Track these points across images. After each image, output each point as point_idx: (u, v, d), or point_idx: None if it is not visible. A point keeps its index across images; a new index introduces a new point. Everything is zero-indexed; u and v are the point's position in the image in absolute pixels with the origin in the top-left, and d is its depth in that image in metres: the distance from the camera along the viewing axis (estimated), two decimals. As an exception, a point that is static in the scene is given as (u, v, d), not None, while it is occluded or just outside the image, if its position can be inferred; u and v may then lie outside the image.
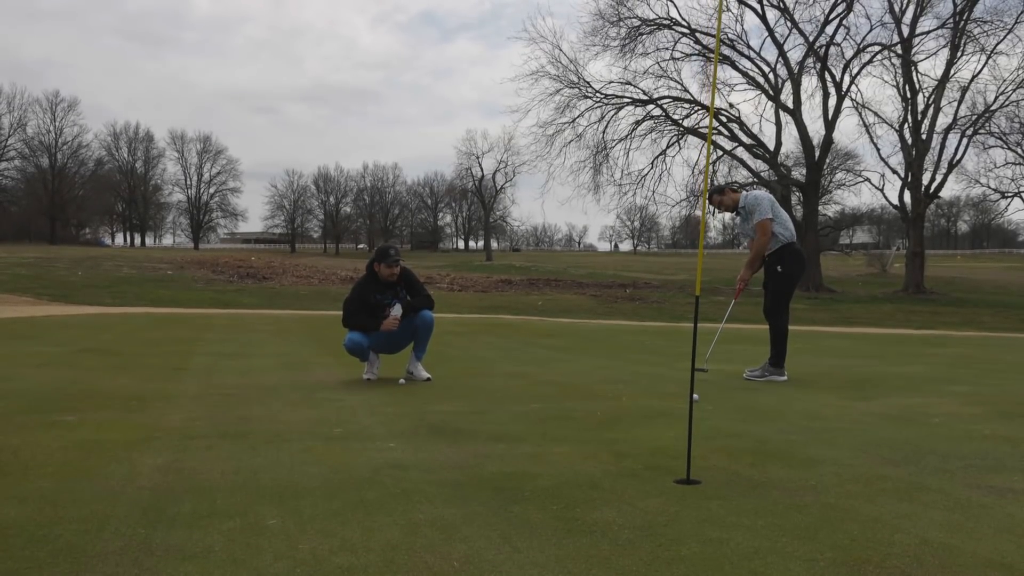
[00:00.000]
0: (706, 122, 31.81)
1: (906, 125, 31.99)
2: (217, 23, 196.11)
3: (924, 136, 31.72)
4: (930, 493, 3.05)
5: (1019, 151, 32.66)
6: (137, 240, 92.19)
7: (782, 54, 32.55)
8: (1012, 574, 2.24)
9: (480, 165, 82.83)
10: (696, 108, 32.83)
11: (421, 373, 6.56)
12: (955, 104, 31.74)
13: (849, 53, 32.21)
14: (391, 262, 6.39)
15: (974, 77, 31.00)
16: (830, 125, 32.49)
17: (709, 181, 31.34)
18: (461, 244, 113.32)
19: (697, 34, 32.13)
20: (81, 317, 14.71)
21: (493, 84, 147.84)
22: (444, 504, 2.86)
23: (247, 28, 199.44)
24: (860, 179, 39.09)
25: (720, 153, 32.99)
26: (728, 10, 32.80)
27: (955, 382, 6.91)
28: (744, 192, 7.09)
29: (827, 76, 32.38)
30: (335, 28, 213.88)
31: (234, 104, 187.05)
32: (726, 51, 33.02)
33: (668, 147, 33.03)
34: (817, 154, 33.00)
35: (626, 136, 33.09)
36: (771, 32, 32.43)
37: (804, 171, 33.87)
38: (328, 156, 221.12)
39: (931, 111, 31.53)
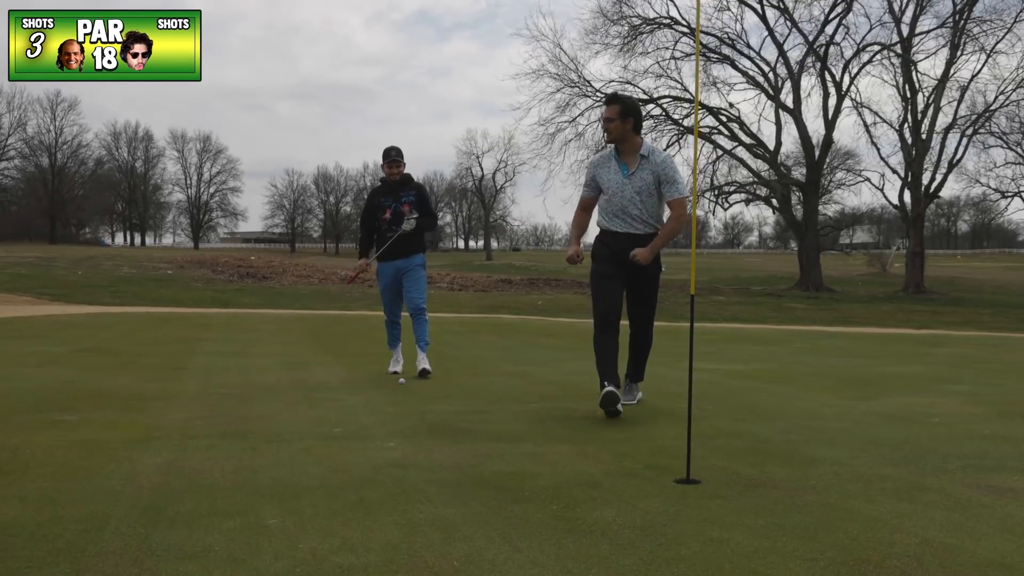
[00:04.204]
0: (706, 121, 31.81)
1: (906, 125, 32.00)
2: (213, 22, 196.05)
3: (924, 136, 31.73)
4: (930, 493, 3.05)
5: (1019, 151, 32.68)
6: (137, 240, 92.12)
7: (782, 54, 32.57)
8: (1012, 574, 2.24)
9: (480, 164, 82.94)
10: (696, 107, 32.80)
11: (422, 364, 6.56)
12: (955, 104, 31.80)
13: (849, 53, 32.26)
14: (390, 161, 6.62)
15: (974, 77, 31.06)
16: (830, 125, 32.50)
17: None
18: (461, 244, 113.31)
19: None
20: (81, 317, 14.72)
21: (490, 84, 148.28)
22: (444, 504, 2.86)
23: (242, 27, 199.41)
24: (860, 179, 39.04)
25: (720, 153, 33.04)
26: (728, 9, 32.90)
27: (955, 382, 6.91)
28: (650, 142, 5.20)
29: (827, 76, 32.40)
30: (330, 27, 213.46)
31: (233, 103, 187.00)
32: (726, 50, 33.06)
33: (668, 146, 33.00)
34: (817, 154, 32.99)
35: (626, 135, 33.01)
36: (771, 32, 32.46)
37: (804, 171, 33.86)
38: (328, 155, 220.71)
39: (931, 111, 31.54)
